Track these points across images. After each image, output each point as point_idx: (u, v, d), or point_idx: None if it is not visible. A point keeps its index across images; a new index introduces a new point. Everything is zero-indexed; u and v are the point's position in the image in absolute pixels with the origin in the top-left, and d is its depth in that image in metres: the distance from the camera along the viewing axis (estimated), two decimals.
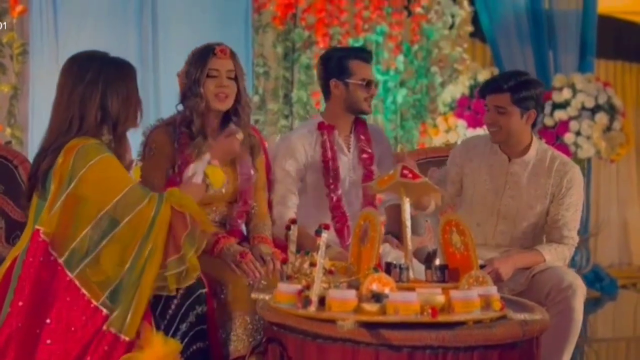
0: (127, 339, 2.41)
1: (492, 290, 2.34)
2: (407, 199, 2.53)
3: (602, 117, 6.00)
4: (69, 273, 2.47)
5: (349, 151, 3.36)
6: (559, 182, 3.21)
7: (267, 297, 2.45)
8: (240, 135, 2.89)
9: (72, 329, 2.43)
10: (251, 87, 5.88)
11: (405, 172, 2.48)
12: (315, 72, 6.10)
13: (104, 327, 2.43)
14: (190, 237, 2.50)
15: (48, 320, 2.44)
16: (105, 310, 2.45)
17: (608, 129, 6.06)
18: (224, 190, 2.95)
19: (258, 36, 6.01)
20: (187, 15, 5.47)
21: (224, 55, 2.97)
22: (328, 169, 3.29)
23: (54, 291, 2.47)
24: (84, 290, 2.47)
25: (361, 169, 3.34)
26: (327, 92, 3.36)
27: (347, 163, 3.35)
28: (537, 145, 3.27)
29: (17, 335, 2.42)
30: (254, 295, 2.50)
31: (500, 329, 2.22)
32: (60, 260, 2.48)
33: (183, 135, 2.98)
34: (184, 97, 3.01)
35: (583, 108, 6.03)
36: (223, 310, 2.74)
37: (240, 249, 2.87)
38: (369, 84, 3.29)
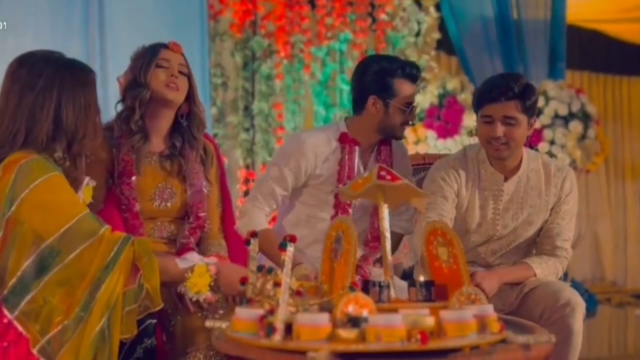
0: None
1: (489, 309, 2.05)
2: (386, 205, 2.21)
3: (576, 125, 6.00)
4: (8, 313, 2.12)
5: (364, 172, 3.02)
6: (560, 189, 2.94)
7: (223, 325, 2.13)
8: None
9: None
10: (208, 98, 5.74)
11: (383, 173, 2.17)
12: (277, 82, 6.01)
13: None
14: (132, 294, 2.15)
15: None
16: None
17: (582, 137, 5.99)
18: (169, 205, 2.69)
19: (215, 45, 5.93)
20: (137, 21, 5.23)
21: (177, 48, 2.71)
22: None
23: None
24: (25, 333, 2.12)
25: None
26: (361, 104, 2.99)
27: None
28: (527, 154, 2.97)
29: None
30: (208, 324, 2.18)
31: (501, 356, 1.93)
32: None
33: (123, 134, 2.68)
34: (126, 92, 2.70)
35: (556, 116, 6.01)
36: (174, 344, 2.45)
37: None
38: (411, 109, 2.95)
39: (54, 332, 2.10)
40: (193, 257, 2.39)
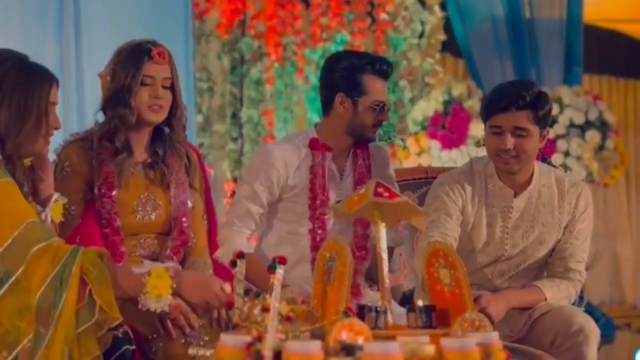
0: None
1: (493, 337, 2.08)
2: (383, 224, 2.25)
3: (593, 135, 6.01)
4: None
5: (341, 179, 3.07)
6: (575, 207, 2.97)
7: (207, 353, 2.17)
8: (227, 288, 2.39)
9: None
10: (193, 105, 5.80)
11: (380, 189, 2.21)
12: (267, 87, 6.05)
13: None
14: (84, 311, 2.15)
15: None
16: None
17: (600, 148, 6.02)
18: (153, 218, 2.74)
19: (200, 47, 5.97)
20: (116, 21, 5.28)
21: (162, 59, 2.75)
22: (315, 200, 3.01)
23: None
24: None
25: None
26: (328, 105, 3.05)
27: (337, 193, 3.06)
28: (538, 168, 3.00)
29: None
30: (191, 352, 2.22)
31: None
32: None
33: (104, 151, 2.75)
34: (107, 105, 2.76)
35: (572, 125, 6.02)
36: None
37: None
38: (382, 108, 2.99)
39: (21, 357, 2.12)
40: (148, 265, 2.41)
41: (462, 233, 2.97)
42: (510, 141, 2.83)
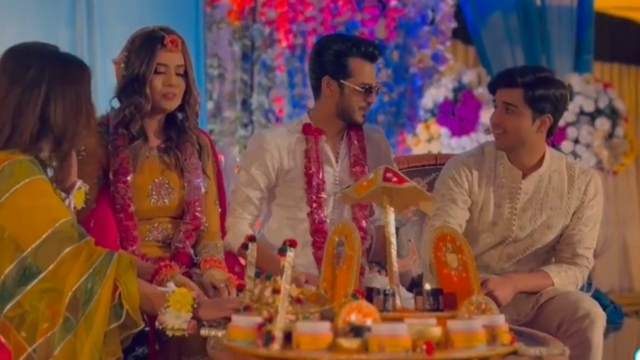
0: None
1: (499, 319, 2.12)
2: (391, 209, 2.29)
3: (603, 123, 6.03)
4: None
5: (337, 162, 3.12)
6: (583, 193, 3.02)
7: (219, 334, 2.21)
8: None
9: None
10: (204, 91, 5.77)
11: (389, 174, 2.25)
12: (278, 74, 6.06)
13: None
14: (113, 312, 2.20)
15: None
16: None
17: (610, 135, 6.02)
18: (167, 202, 2.79)
19: (211, 33, 5.92)
20: (127, 9, 5.28)
21: (175, 47, 2.79)
22: (311, 184, 3.06)
23: None
24: (7, 344, 2.20)
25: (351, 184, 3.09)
26: (317, 89, 3.11)
27: (333, 177, 3.11)
28: (550, 154, 3.06)
29: None
30: (203, 333, 2.26)
31: None
32: None
33: (119, 137, 2.80)
34: (122, 93, 2.81)
35: (581, 113, 6.01)
36: (166, 353, 2.52)
37: (184, 281, 2.62)
38: (369, 90, 3.03)
39: (40, 341, 2.17)
40: (171, 286, 2.46)
41: (471, 214, 3.02)
42: (495, 115, 2.95)
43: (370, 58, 3.05)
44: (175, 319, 2.23)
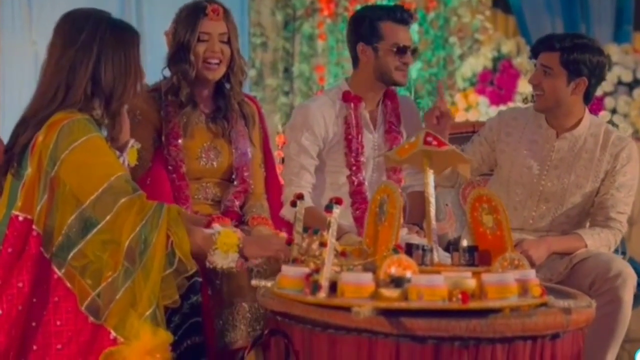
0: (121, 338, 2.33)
1: (531, 274, 2.25)
2: (431, 171, 2.42)
3: None
4: (57, 270, 2.39)
5: (375, 128, 3.26)
6: (614, 158, 3.13)
7: (269, 284, 2.37)
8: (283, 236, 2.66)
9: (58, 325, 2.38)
10: (247, 59, 5.78)
11: (429, 138, 2.38)
12: (319, 42, 6.12)
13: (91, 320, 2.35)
14: (167, 259, 2.38)
15: (34, 324, 2.38)
16: (91, 318, 2.36)
17: None
18: (215, 165, 2.96)
19: (255, 2, 5.99)
20: None
21: (216, 16, 2.94)
22: (351, 148, 3.20)
23: (42, 290, 2.39)
24: (72, 289, 2.38)
25: (387, 150, 3.22)
26: (355, 57, 3.26)
27: (372, 142, 3.26)
28: (590, 119, 3.18)
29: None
30: (254, 283, 2.43)
31: (541, 318, 2.13)
32: (47, 255, 2.40)
33: (170, 103, 2.97)
34: (171, 62, 2.98)
35: (619, 83, 5.99)
36: (219, 299, 2.68)
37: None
38: (401, 50, 3.16)
39: (104, 285, 2.35)
40: (217, 227, 2.61)
41: (502, 165, 3.22)
42: (534, 76, 3.12)
43: (401, 21, 3.18)
44: (223, 260, 2.42)
